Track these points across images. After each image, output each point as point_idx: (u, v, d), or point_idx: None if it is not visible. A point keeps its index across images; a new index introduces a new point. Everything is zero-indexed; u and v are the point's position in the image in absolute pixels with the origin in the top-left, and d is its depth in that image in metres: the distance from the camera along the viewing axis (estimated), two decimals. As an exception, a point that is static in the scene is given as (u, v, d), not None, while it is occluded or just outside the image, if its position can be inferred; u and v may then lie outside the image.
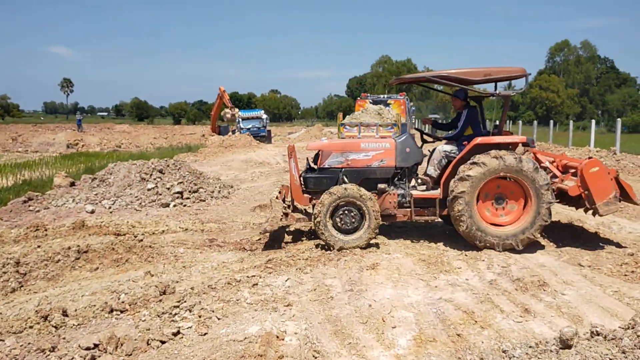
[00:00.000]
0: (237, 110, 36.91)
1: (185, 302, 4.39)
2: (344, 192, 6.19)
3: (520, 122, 31.34)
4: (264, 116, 37.81)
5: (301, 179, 6.84)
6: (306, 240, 6.85)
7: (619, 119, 17.39)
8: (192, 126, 74.41)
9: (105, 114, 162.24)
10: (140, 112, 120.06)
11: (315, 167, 6.97)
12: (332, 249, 6.10)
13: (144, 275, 5.29)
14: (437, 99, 79.06)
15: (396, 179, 6.76)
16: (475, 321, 4.00)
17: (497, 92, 6.74)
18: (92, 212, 9.66)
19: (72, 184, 12.29)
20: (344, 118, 16.99)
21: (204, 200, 10.28)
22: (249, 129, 36.18)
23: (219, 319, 4.07)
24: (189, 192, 10.38)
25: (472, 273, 5.30)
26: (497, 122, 7.12)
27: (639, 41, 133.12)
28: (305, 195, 6.74)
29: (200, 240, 6.82)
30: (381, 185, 6.63)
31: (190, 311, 4.18)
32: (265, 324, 3.95)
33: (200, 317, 4.08)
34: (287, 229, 7.44)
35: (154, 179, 10.56)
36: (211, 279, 5.14)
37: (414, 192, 6.68)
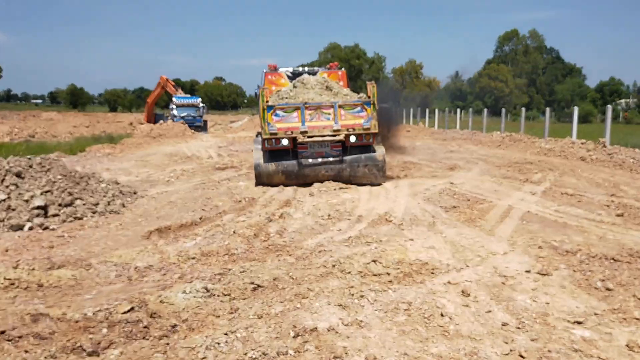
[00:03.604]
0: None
1: None
2: None
3: (470, 110, 29.25)
4: (201, 104, 34.32)
5: None
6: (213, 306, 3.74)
7: (609, 106, 15.10)
8: (126, 114, 69.06)
9: (40, 101, 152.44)
10: (75, 99, 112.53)
11: None
12: None
13: None
14: (386, 87, 76.94)
15: None
16: None
17: None
18: None
19: None
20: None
21: (81, 218, 6.91)
22: (183, 117, 32.70)
23: None
24: (59, 205, 6.98)
25: None
26: None
27: (583, 32, 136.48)
28: None
29: (14, 320, 3.56)
30: None
31: None
32: None
33: None
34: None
35: (7, 187, 7.09)
36: None
37: None
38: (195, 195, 8.72)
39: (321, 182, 9.41)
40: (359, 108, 9.41)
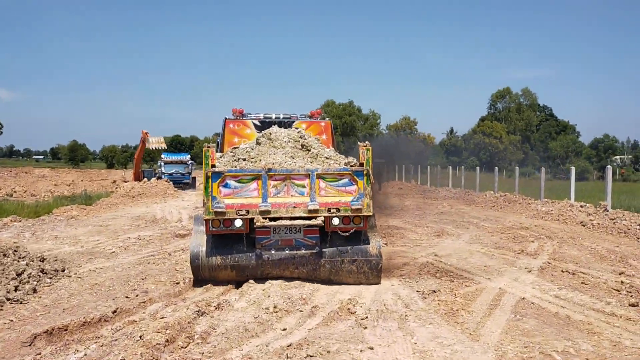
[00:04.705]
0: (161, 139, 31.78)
1: None
2: None
3: (462, 168, 28.10)
4: (189, 161, 33.92)
5: None
6: None
7: (608, 167, 13.97)
8: (121, 170, 68.54)
9: (42, 157, 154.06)
10: (75, 156, 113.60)
11: None
12: None
13: None
14: (382, 143, 76.81)
15: None
16: None
17: None
18: None
19: None
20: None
21: (-32, 311, 5.59)
22: (171, 174, 32.27)
23: None
24: (-57, 294, 5.67)
25: None
26: None
27: (575, 89, 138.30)
28: None
29: None
30: None
31: None
32: None
33: None
34: None
35: None
36: None
37: None
38: (132, 274, 7.42)
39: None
40: (346, 179, 6.62)
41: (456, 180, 28.23)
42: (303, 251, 6.69)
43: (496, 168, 22.61)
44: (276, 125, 7.91)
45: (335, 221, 6.65)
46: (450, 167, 29.67)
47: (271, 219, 6.50)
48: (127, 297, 6.11)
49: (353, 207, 6.56)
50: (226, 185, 6.43)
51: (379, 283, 6.82)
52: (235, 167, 6.59)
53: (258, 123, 8.75)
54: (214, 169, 6.38)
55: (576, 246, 9.94)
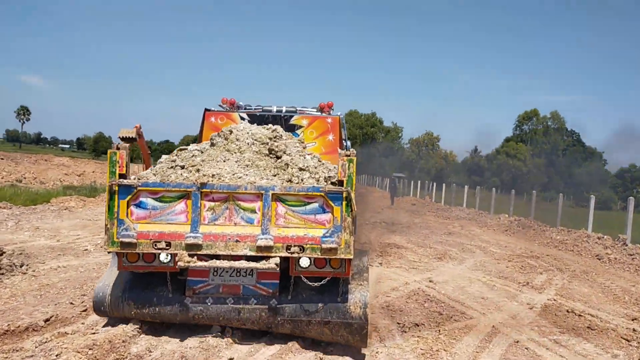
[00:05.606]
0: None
1: None
2: None
3: (478, 188, 26.58)
4: None
5: None
6: None
7: (630, 198, 12.99)
8: (138, 164, 68.95)
9: (68, 146, 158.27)
10: (98, 147, 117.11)
11: None
12: None
13: None
14: (402, 157, 75.88)
15: None
16: None
17: None
18: None
19: None
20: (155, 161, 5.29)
21: None
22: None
23: None
24: None
25: None
26: None
27: (604, 117, 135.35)
28: None
29: None
30: None
31: None
32: None
33: None
34: None
35: None
36: None
37: None
38: (92, 276, 6.83)
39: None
40: (316, 204, 4.45)
41: (472, 200, 27.27)
42: (253, 305, 4.64)
43: (512, 190, 21.56)
44: (247, 121, 6.08)
45: (305, 262, 4.55)
46: (467, 186, 28.61)
47: (204, 258, 4.48)
48: (71, 303, 5.52)
49: (324, 246, 4.37)
50: (140, 205, 4.42)
51: (364, 347, 4.81)
52: (169, 177, 4.57)
53: (247, 117, 6.54)
54: (122, 180, 4.36)
55: (588, 282, 9.07)
